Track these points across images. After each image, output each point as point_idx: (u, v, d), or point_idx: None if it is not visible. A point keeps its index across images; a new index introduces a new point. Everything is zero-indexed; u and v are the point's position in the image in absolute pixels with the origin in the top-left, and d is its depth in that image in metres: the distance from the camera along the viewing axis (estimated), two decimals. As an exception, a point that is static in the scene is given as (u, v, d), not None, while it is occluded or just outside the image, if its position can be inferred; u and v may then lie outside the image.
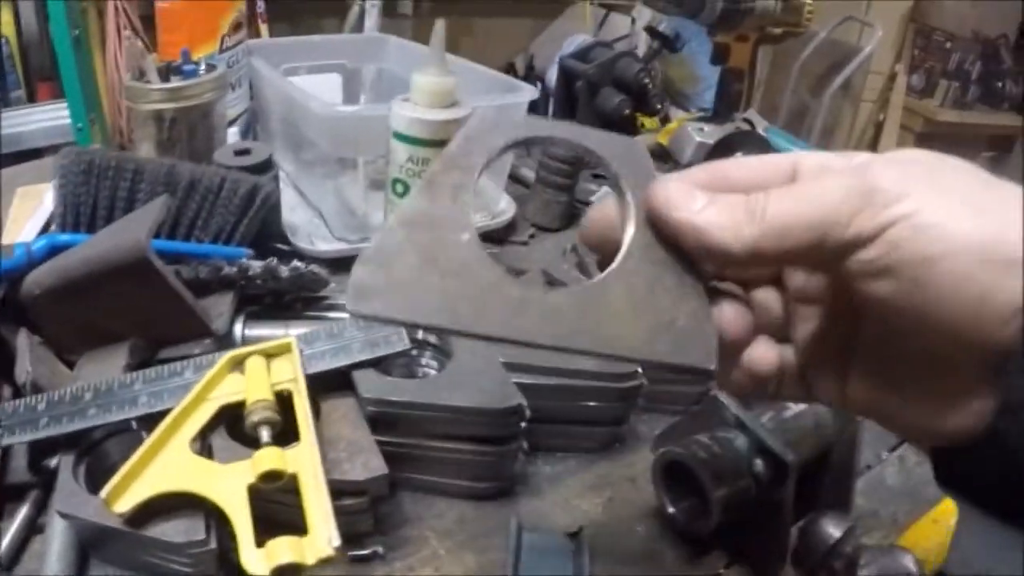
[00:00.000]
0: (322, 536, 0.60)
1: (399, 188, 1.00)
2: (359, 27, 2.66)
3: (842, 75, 3.44)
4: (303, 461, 0.66)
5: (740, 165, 0.49)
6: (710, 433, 0.79)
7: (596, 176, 1.51)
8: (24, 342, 0.82)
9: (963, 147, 3.99)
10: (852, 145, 3.83)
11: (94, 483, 0.69)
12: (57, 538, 0.69)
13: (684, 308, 0.47)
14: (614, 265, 0.47)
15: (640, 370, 0.85)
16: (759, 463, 0.77)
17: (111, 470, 0.68)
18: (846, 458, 0.85)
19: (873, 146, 3.94)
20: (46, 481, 0.75)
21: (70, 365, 0.85)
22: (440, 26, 0.95)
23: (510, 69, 2.98)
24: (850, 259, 0.42)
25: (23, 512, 0.73)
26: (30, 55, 2.24)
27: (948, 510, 0.87)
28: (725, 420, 0.80)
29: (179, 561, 0.66)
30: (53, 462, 0.76)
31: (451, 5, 2.98)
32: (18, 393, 0.81)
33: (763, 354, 0.50)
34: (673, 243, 0.46)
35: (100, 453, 0.73)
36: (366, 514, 0.72)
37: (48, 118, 2.12)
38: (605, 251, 0.51)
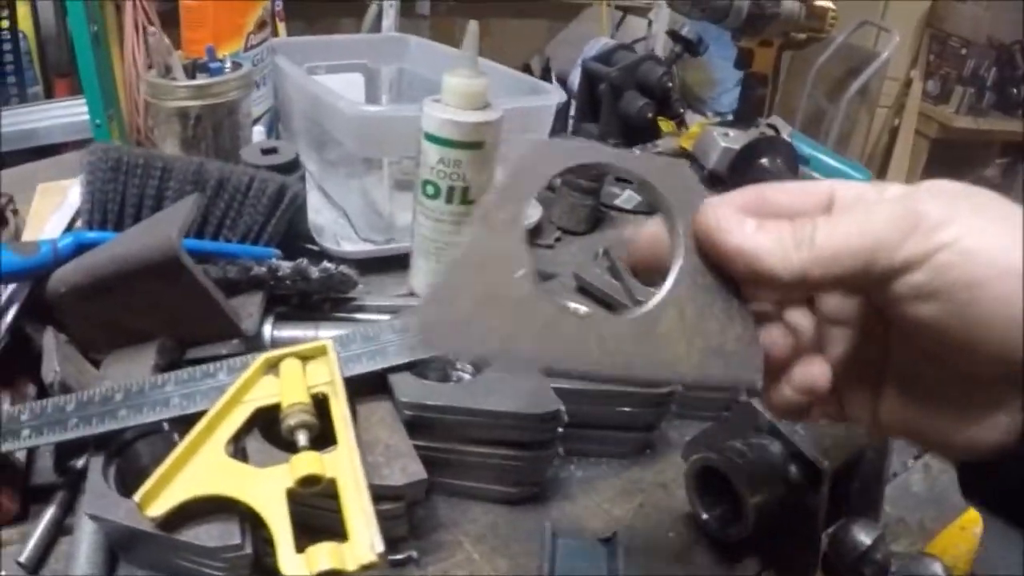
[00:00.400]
0: (364, 542, 0.60)
1: (429, 190, 0.99)
2: (376, 27, 2.66)
3: (859, 80, 3.44)
4: (342, 465, 0.65)
5: (780, 190, 0.50)
6: (744, 439, 0.79)
7: (620, 180, 1.50)
8: (51, 341, 0.80)
9: (977, 153, 3.99)
10: (868, 151, 3.83)
11: (124, 485, 0.69)
12: (86, 540, 0.68)
13: (732, 332, 0.49)
14: (665, 291, 0.48)
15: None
16: (793, 469, 0.77)
17: (141, 472, 0.68)
18: (876, 465, 0.84)
19: (888, 152, 3.94)
20: (72, 482, 0.75)
21: (96, 364, 0.84)
22: (474, 27, 0.94)
23: (526, 71, 2.98)
24: (897, 283, 0.44)
25: (49, 513, 0.72)
26: (47, 51, 2.24)
27: (975, 518, 0.87)
28: (759, 426, 0.80)
29: (213, 565, 0.66)
30: (80, 463, 0.75)
31: (468, 6, 2.98)
32: (43, 392, 0.80)
33: (819, 371, 0.52)
34: (721, 267, 0.48)
35: (130, 454, 0.72)
36: (402, 519, 0.71)
37: (65, 114, 2.13)
38: (651, 273, 0.53)
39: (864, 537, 0.77)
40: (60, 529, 0.72)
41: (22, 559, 0.68)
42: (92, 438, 0.71)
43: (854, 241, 0.44)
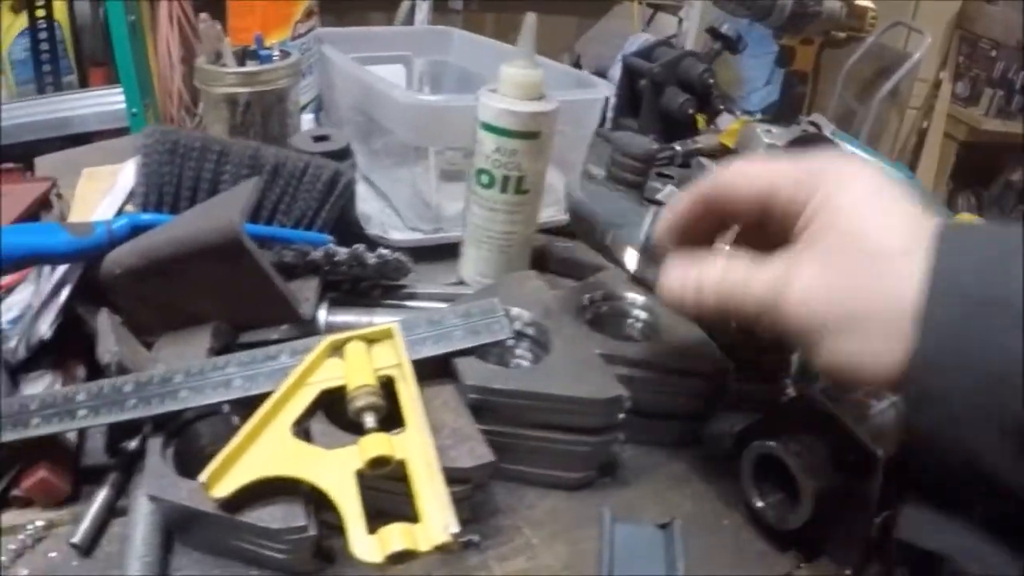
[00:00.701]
0: (438, 522, 0.60)
1: (484, 179, 0.99)
2: (409, 21, 2.66)
3: (891, 81, 3.42)
4: (412, 447, 0.65)
5: (729, 189, 0.70)
6: (800, 428, 0.79)
7: (660, 175, 1.51)
8: (106, 322, 0.81)
9: (1005, 157, 3.97)
10: (896, 152, 3.81)
11: (182, 465, 0.69)
12: (142, 521, 0.68)
13: None
14: None
15: (730, 368, 0.85)
16: (848, 457, 0.77)
17: (200, 452, 0.68)
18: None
19: (916, 153, 3.92)
20: (125, 464, 0.75)
21: (147, 347, 0.84)
22: (531, 19, 0.95)
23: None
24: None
25: (103, 495, 0.72)
26: (83, 41, 2.26)
27: None
28: (814, 415, 0.80)
29: (274, 547, 0.66)
30: (132, 444, 0.76)
31: (500, 2, 2.98)
32: (93, 374, 0.81)
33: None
34: None
35: (189, 436, 0.73)
36: (465, 503, 0.71)
37: (100, 103, 2.14)
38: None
39: (909, 527, 0.78)
40: (113, 511, 0.72)
41: (76, 540, 0.68)
42: (151, 419, 0.71)
43: (730, 303, 0.65)
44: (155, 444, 0.70)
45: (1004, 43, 3.89)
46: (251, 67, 1.19)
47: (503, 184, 0.99)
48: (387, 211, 1.23)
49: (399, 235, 1.16)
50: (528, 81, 0.96)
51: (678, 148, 1.56)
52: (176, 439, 0.72)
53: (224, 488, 0.63)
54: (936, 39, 3.67)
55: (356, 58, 1.36)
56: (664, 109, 1.60)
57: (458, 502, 0.64)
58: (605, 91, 1.22)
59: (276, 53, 1.22)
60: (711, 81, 1.59)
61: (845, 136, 1.54)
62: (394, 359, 0.74)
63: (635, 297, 0.94)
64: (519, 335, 0.85)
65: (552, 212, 1.25)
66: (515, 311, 0.85)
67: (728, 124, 1.60)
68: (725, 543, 0.79)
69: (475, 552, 0.73)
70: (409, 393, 0.70)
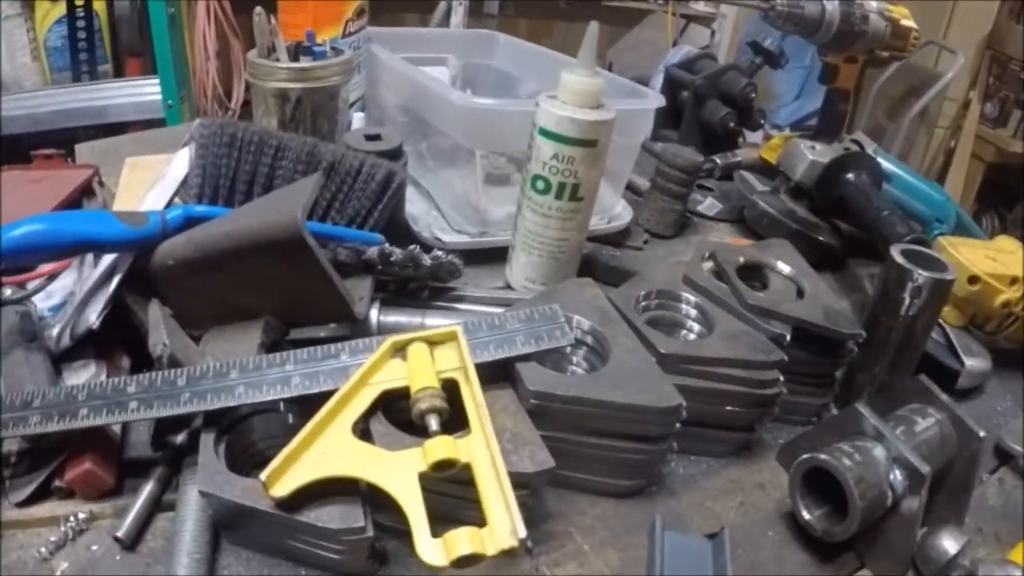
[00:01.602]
0: (504, 526, 0.60)
1: (540, 185, 1.00)
2: (445, 24, 2.67)
3: (922, 100, 3.41)
4: (477, 450, 0.66)
5: None
6: (850, 442, 0.80)
7: (701, 187, 1.51)
8: (157, 313, 0.80)
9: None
10: (924, 171, 3.80)
11: (233, 462, 0.69)
12: (191, 518, 0.68)
13: None
14: None
15: (780, 378, 0.87)
16: (895, 473, 0.78)
17: (252, 449, 0.69)
18: (965, 474, 0.87)
19: (943, 173, 3.91)
20: (171, 458, 0.75)
21: (194, 340, 0.84)
22: (594, 28, 0.95)
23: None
24: None
25: (148, 488, 0.72)
26: (120, 31, 2.26)
27: None
28: (862, 430, 0.82)
29: (330, 548, 0.66)
30: (178, 439, 0.76)
31: (534, 7, 2.99)
32: (139, 366, 0.81)
33: None
34: None
35: (242, 432, 0.73)
36: (522, 508, 0.71)
37: (136, 93, 2.15)
38: None
39: (952, 543, 0.80)
40: (158, 506, 0.72)
41: (120, 534, 0.68)
42: (206, 414, 0.71)
43: None
44: (207, 439, 0.70)
45: (1033, 64, 3.89)
46: (304, 63, 1.19)
47: (559, 191, 1.00)
48: (433, 213, 1.24)
49: (447, 237, 1.16)
50: (589, 89, 0.96)
51: (718, 161, 1.57)
52: (228, 435, 0.72)
53: (283, 487, 0.63)
54: (967, 59, 3.66)
55: (404, 59, 1.36)
56: (705, 122, 1.60)
57: (519, 507, 0.65)
58: (655, 102, 1.22)
59: (328, 50, 1.22)
60: (753, 95, 1.60)
61: (886, 155, 1.54)
62: (457, 362, 0.74)
63: (689, 297, 0.96)
64: (578, 343, 0.86)
65: (597, 221, 1.25)
66: (575, 319, 0.86)
67: (758, 138, 1.60)
68: (770, 554, 0.81)
69: (527, 557, 0.74)
70: (473, 396, 0.71)
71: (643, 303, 0.95)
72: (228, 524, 0.70)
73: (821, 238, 1.36)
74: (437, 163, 1.24)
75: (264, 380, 0.72)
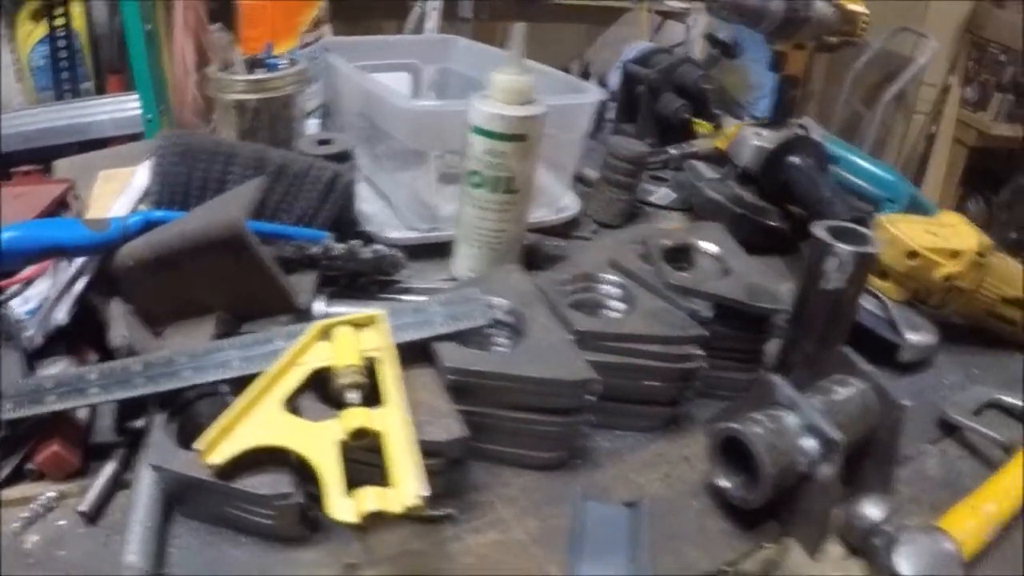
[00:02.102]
0: (409, 487, 0.66)
1: (475, 179, 1.05)
2: (419, 30, 2.70)
3: (895, 86, 3.45)
4: (390, 420, 0.72)
5: None
6: (764, 412, 0.84)
7: (655, 178, 1.56)
8: (118, 309, 0.88)
9: (1016, 161, 3.98)
10: (904, 157, 3.83)
11: (183, 440, 0.75)
12: (144, 492, 0.74)
13: None
14: None
15: (698, 353, 0.91)
16: (809, 441, 0.82)
17: (200, 428, 0.74)
18: (889, 443, 0.89)
19: (924, 159, 3.94)
20: (131, 441, 0.82)
21: (157, 335, 0.90)
22: (520, 28, 1.01)
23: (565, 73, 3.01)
24: None
25: (109, 468, 0.79)
26: (100, 49, 2.31)
27: (986, 495, 0.92)
28: (777, 400, 0.85)
29: (263, 513, 0.72)
30: (139, 423, 0.82)
31: (510, 9, 3.02)
32: (105, 359, 0.86)
33: None
34: None
35: (190, 413, 0.78)
36: (440, 476, 0.76)
37: (117, 109, 2.19)
38: None
39: (875, 510, 0.83)
40: (118, 483, 0.79)
41: (83, 508, 0.74)
42: (156, 396, 0.78)
43: None
44: (159, 420, 0.77)
45: (1013, 47, 3.91)
46: (259, 75, 1.25)
47: (493, 184, 1.05)
48: (387, 212, 1.29)
49: (396, 233, 1.21)
50: (516, 87, 1.02)
51: (672, 151, 1.61)
52: (178, 416, 0.78)
53: (218, 455, 0.70)
54: (945, 44, 3.69)
55: (364, 66, 1.41)
56: (660, 114, 1.65)
57: (433, 475, 0.70)
58: (594, 96, 1.27)
59: (284, 62, 1.28)
60: (706, 87, 1.64)
61: (834, 139, 1.58)
62: (379, 343, 0.80)
63: (612, 278, 1.01)
64: (498, 322, 0.91)
65: (544, 212, 1.31)
66: (495, 300, 0.91)
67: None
68: (692, 523, 0.84)
69: (451, 525, 0.79)
70: (390, 373, 0.77)
71: (568, 286, 0.99)
72: (178, 496, 0.75)
73: (769, 222, 1.39)
74: (392, 164, 1.29)
75: (208, 364, 0.79)
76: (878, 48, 3.57)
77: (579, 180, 1.48)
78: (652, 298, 0.97)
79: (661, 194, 1.53)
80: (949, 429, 1.07)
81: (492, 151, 1.03)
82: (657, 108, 1.66)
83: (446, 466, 0.78)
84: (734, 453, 0.83)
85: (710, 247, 1.08)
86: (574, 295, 0.99)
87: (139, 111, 1.92)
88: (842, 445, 0.80)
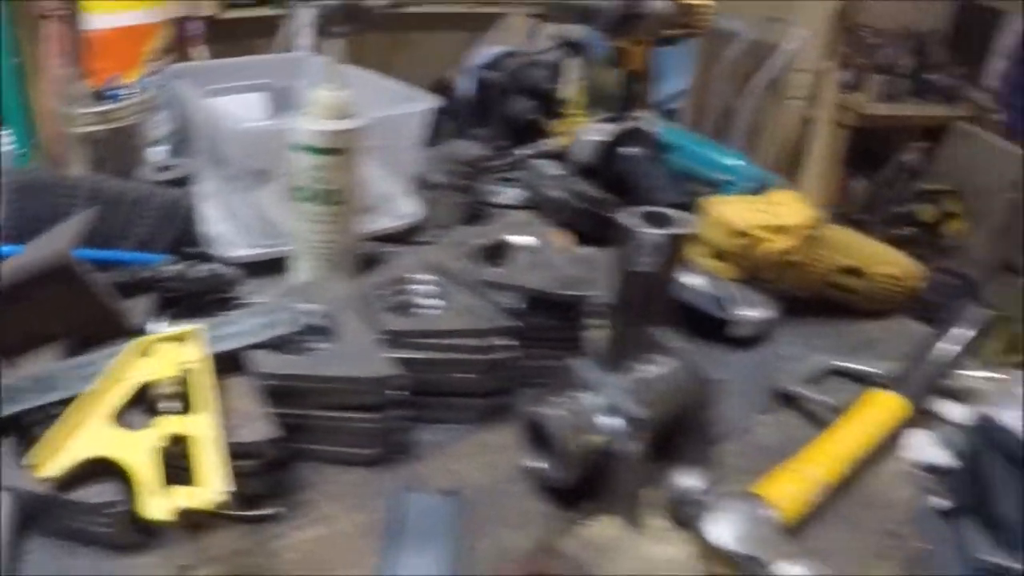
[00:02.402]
0: (215, 484, 0.72)
1: (301, 194, 1.11)
2: (290, 47, 2.71)
3: (762, 75, 3.54)
4: (201, 425, 0.78)
5: None
6: (568, 394, 0.90)
7: (505, 180, 1.60)
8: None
9: (896, 139, 4.10)
10: (781, 143, 3.90)
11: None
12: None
13: None
14: None
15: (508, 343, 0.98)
16: (614, 420, 0.87)
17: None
18: (703, 416, 0.96)
19: (805, 143, 4.00)
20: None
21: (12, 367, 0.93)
22: (337, 45, 1.06)
23: (441, 83, 3.04)
24: None
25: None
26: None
27: (807, 459, 0.97)
28: (580, 382, 0.91)
29: (99, 522, 0.77)
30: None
31: (384, 20, 3.03)
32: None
33: None
34: None
35: (26, 434, 0.83)
36: (261, 477, 0.82)
37: (-1, 145, 2.19)
38: None
39: (690, 481, 0.89)
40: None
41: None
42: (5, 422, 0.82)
43: None
44: (8, 443, 0.81)
45: (888, 30, 4.02)
46: (103, 106, 1.29)
47: (318, 197, 1.11)
48: (234, 231, 1.32)
49: (238, 251, 1.25)
50: (333, 102, 1.08)
51: (520, 152, 1.66)
52: (25, 440, 0.82)
53: (50, 469, 0.75)
54: (818, 29, 3.78)
55: (217, 89, 1.44)
56: (509, 116, 1.71)
57: (249, 475, 0.77)
58: (424, 104, 1.33)
59: (127, 92, 1.32)
60: (553, 87, 1.70)
61: (674, 128, 1.64)
62: (195, 355, 0.86)
63: (426, 278, 1.06)
64: (312, 328, 0.95)
65: (387, 220, 1.36)
66: (307, 307, 0.96)
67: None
68: (511, 507, 0.90)
69: (278, 524, 0.83)
70: (204, 382, 0.83)
71: (386, 289, 1.04)
72: (28, 513, 0.79)
73: (609, 214, 1.43)
74: (241, 185, 1.32)
75: (41, 387, 0.84)
76: (749, 40, 3.65)
77: (426, 186, 1.52)
78: (468, 295, 1.02)
79: (512, 195, 1.57)
80: (787, 400, 1.12)
81: (314, 165, 1.09)
82: (506, 110, 1.71)
83: (267, 467, 0.83)
84: (544, 437, 0.88)
85: (527, 242, 1.14)
86: (392, 297, 1.04)
87: (13, 146, 1.94)
88: (648, 422, 0.86)
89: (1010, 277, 3.71)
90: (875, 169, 4.18)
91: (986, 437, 0.97)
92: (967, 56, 4.26)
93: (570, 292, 1.03)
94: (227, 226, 1.33)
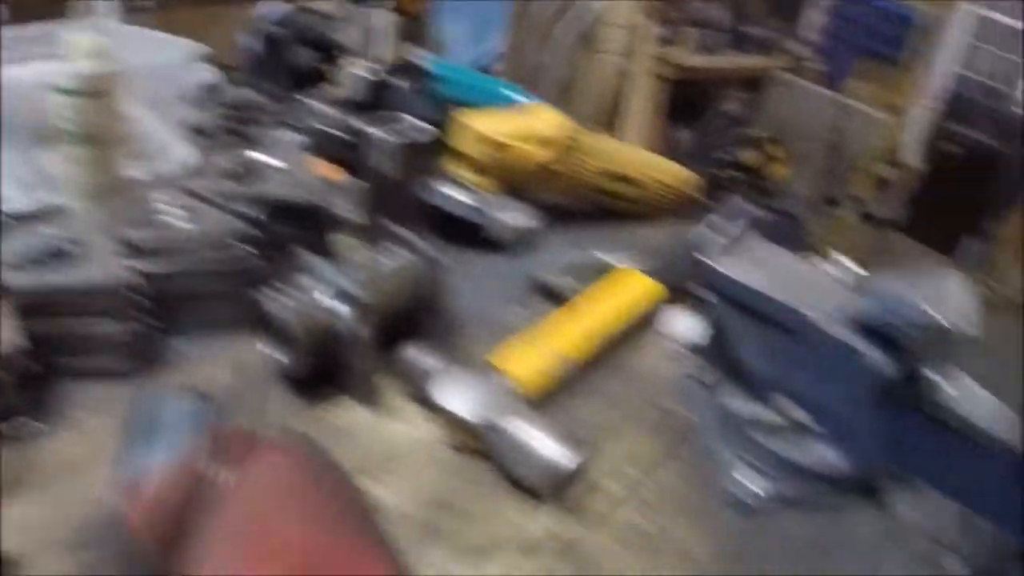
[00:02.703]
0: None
1: (65, 137, 1.15)
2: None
3: (565, 26, 3.62)
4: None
5: None
6: (293, 285, 0.97)
7: (287, 125, 1.64)
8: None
9: (717, 90, 4.24)
10: (595, 97, 3.95)
11: None
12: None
13: None
14: None
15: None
16: (341, 305, 0.95)
17: None
18: (439, 304, 1.06)
19: (620, 96, 4.08)
20: None
21: None
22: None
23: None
24: None
25: None
26: None
27: (543, 334, 1.05)
28: (308, 274, 0.98)
29: None
30: None
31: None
32: None
33: None
34: None
35: None
36: (18, 391, 0.88)
37: None
38: None
39: (423, 359, 0.98)
40: None
41: None
42: None
43: None
44: None
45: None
46: None
47: (79, 139, 1.14)
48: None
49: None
50: (90, 47, 1.12)
51: (301, 99, 1.71)
52: None
53: None
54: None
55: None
56: (290, 65, 1.77)
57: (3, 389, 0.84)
58: (186, 54, 1.40)
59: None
60: (332, 37, 1.76)
61: (443, 63, 1.71)
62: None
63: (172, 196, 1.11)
64: (60, 250, 0.98)
65: (161, 166, 1.38)
66: (58, 231, 1.01)
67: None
68: (262, 403, 0.97)
69: (33, 439, 0.88)
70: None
71: (137, 210, 1.08)
72: None
73: None
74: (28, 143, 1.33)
75: None
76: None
77: (201, 134, 1.55)
78: (214, 212, 1.07)
79: (291, 139, 1.62)
80: (548, 293, 1.22)
81: (73, 108, 1.12)
82: (287, 60, 1.78)
83: (22, 380, 0.88)
84: (277, 328, 0.95)
85: (277, 163, 1.20)
86: (141, 217, 1.07)
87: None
88: (373, 305, 0.93)
89: (830, 209, 3.99)
90: (698, 119, 4.30)
91: (722, 293, 1.05)
92: (784, 9, 4.43)
93: (307, 199, 1.09)
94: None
